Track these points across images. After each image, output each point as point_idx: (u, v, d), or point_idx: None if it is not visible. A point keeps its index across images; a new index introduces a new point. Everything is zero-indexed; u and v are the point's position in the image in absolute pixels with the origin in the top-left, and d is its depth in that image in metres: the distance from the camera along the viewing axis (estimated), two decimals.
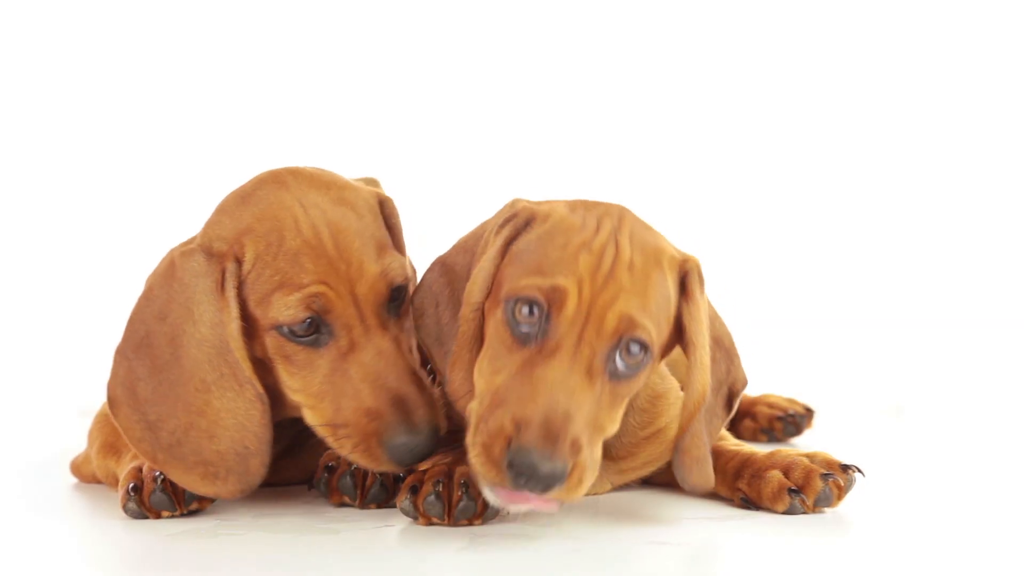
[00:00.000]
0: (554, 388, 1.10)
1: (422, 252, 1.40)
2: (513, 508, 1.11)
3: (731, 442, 1.40)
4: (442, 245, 1.33)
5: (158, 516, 1.27)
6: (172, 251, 1.28)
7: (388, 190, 1.45)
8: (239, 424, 1.22)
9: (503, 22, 2.81)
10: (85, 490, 1.49)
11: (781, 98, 2.85)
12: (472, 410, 1.14)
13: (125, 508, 1.27)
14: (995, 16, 2.82)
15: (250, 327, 1.24)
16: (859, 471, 1.29)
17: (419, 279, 1.35)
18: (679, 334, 1.22)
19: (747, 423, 1.94)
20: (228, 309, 1.22)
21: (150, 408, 1.24)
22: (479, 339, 1.21)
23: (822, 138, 2.86)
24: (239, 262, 1.23)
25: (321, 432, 1.26)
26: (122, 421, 1.25)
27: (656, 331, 1.16)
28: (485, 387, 1.15)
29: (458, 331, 1.22)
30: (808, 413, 1.94)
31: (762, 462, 1.30)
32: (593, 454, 1.12)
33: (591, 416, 1.12)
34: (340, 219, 1.25)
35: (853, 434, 2.09)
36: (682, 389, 1.31)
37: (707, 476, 1.25)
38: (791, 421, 1.91)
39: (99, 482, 1.49)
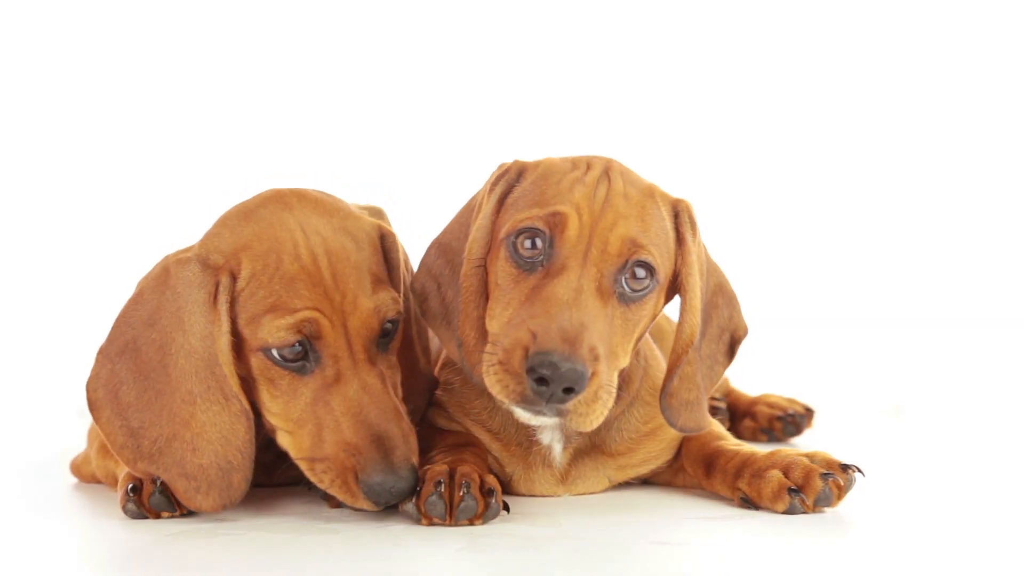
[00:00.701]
0: (566, 301, 1.11)
1: (421, 248, 1.39)
2: (537, 421, 1.14)
3: (731, 442, 1.40)
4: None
5: (157, 516, 1.27)
6: (167, 257, 1.28)
7: (390, 197, 1.45)
8: (223, 438, 1.21)
9: (506, 29, 2.81)
10: (85, 490, 1.49)
11: (781, 98, 2.85)
12: (486, 352, 1.15)
13: (124, 509, 1.27)
14: (995, 16, 2.82)
15: (237, 344, 1.23)
16: (859, 471, 1.29)
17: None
18: (676, 278, 1.24)
19: (747, 423, 1.94)
20: (219, 323, 1.21)
21: (133, 414, 1.23)
22: (484, 295, 1.22)
23: (822, 138, 2.86)
24: (234, 277, 1.22)
25: (300, 465, 1.25)
26: (103, 425, 1.24)
27: (659, 257, 1.18)
28: (497, 326, 1.17)
29: (461, 290, 1.23)
30: (808, 413, 1.94)
31: (762, 462, 1.30)
32: (610, 377, 1.13)
33: (605, 334, 1.13)
34: (339, 249, 1.24)
35: (853, 434, 2.09)
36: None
37: (698, 419, 1.27)
38: (791, 421, 1.91)
39: (99, 482, 1.49)
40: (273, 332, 1.20)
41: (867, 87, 2.85)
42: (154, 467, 1.22)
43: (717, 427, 1.44)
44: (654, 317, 1.25)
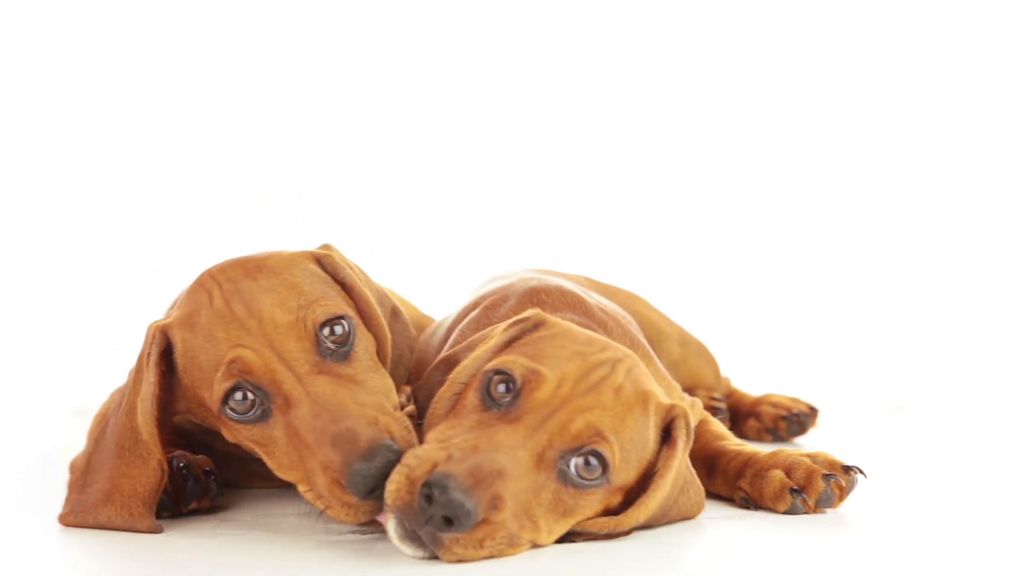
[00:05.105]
0: (498, 447, 1.06)
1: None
2: (403, 547, 1.05)
3: (733, 443, 1.39)
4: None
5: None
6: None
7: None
8: (133, 490, 1.22)
9: (506, 40, 2.81)
10: None
11: (782, 98, 2.85)
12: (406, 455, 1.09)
13: None
14: (995, 16, 2.82)
15: (216, 420, 1.22)
16: (861, 472, 1.29)
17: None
18: (645, 480, 1.16)
19: (751, 423, 1.94)
20: (147, 376, 1.21)
21: (88, 476, 1.28)
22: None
23: (822, 138, 2.86)
24: (167, 338, 1.23)
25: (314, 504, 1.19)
26: (68, 493, 1.28)
27: (622, 457, 1.11)
28: (431, 437, 1.12)
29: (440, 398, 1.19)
30: (812, 412, 1.94)
31: (764, 462, 1.30)
32: (516, 534, 1.06)
33: (525, 494, 1.06)
34: (250, 285, 1.22)
35: (854, 434, 2.09)
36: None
37: None
38: (796, 420, 1.91)
39: None
40: (212, 395, 1.19)
41: (868, 88, 2.85)
42: (91, 520, 1.23)
43: (718, 427, 1.44)
44: (594, 515, 1.14)
